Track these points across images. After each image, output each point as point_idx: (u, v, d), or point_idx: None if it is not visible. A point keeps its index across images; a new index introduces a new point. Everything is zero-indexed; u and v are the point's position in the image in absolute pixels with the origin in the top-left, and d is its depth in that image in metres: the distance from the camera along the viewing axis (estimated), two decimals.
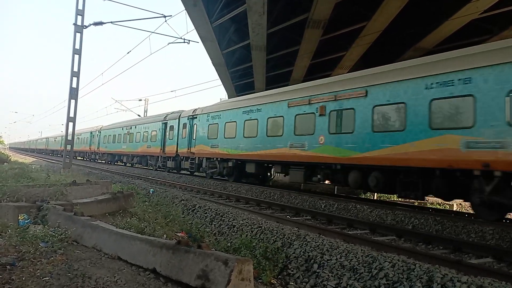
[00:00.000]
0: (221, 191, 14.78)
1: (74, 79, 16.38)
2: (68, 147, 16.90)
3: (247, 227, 7.27)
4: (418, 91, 9.60)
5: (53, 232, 4.64)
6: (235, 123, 16.38)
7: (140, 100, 40.83)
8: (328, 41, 17.10)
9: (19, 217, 5.44)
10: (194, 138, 19.24)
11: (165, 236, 5.96)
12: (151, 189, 12.13)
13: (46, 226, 5.09)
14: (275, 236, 6.37)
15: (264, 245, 5.75)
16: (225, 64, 21.28)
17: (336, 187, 15.69)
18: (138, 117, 33.99)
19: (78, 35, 16.25)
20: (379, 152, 10.32)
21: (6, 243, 4.17)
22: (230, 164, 16.88)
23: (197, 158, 19.16)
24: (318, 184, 15.81)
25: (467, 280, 4.09)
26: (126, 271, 3.92)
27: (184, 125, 20.17)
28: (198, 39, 18.81)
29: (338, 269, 4.93)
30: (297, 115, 13.26)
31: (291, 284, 4.93)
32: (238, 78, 24.19)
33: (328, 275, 4.86)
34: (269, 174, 16.25)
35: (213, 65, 21.79)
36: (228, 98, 26.42)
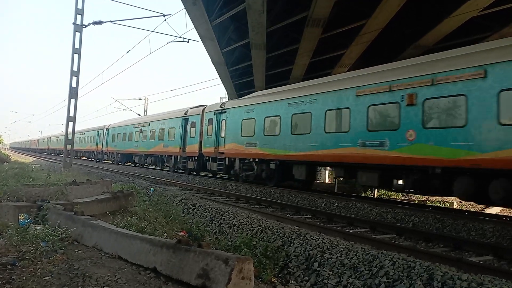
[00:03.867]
0: (221, 190, 14.79)
1: (74, 78, 16.38)
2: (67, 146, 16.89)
3: (248, 225, 7.27)
4: (161, 125, 24.43)
5: (54, 232, 4.64)
6: (125, 133, 30.35)
7: (140, 99, 40.97)
8: (327, 39, 17.04)
9: (20, 217, 5.44)
10: (110, 141, 33.91)
11: (165, 235, 5.97)
12: (151, 188, 12.14)
13: (46, 225, 5.08)
14: (276, 235, 6.37)
15: (264, 244, 5.76)
16: (224, 63, 21.24)
17: (336, 185, 17.01)
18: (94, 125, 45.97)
19: (77, 34, 16.24)
20: (154, 148, 25.02)
21: (7, 243, 4.18)
22: (120, 155, 32.19)
23: (110, 153, 34.76)
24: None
25: (468, 278, 4.10)
26: (127, 270, 3.92)
27: (105, 134, 35.14)
28: (198, 38, 18.79)
29: (338, 268, 4.93)
30: (135, 131, 28.26)
31: (291, 283, 4.93)
32: (238, 77, 24.15)
33: (329, 274, 4.87)
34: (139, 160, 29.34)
35: (213, 64, 21.75)
36: (228, 97, 26.56)
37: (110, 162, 35.34)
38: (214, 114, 18.46)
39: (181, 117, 22.03)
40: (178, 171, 23.05)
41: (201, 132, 19.52)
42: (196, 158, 20.04)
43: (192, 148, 20.29)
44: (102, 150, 36.37)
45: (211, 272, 3.41)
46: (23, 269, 3.56)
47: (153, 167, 27.62)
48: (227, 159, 17.01)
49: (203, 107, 20.21)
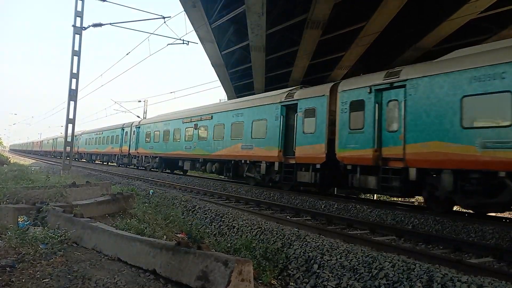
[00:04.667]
0: (221, 191, 14.78)
1: (73, 80, 16.38)
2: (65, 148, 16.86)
3: (247, 227, 7.27)
4: (235, 117, 17.33)
5: (53, 234, 4.64)
6: (168, 131, 24.09)
7: (140, 101, 40.81)
8: (327, 41, 17.10)
9: (19, 219, 5.43)
10: (142, 141, 27.83)
11: (165, 237, 5.96)
12: (150, 190, 12.12)
13: (45, 227, 5.08)
14: (275, 237, 6.36)
15: (264, 246, 5.75)
16: (224, 65, 21.31)
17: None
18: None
19: (77, 36, 16.26)
20: (223, 150, 18.10)
21: (6, 245, 4.17)
22: (158, 159, 25.70)
23: (142, 156, 28.19)
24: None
25: (467, 279, 4.09)
26: (126, 272, 3.92)
27: (134, 132, 29.20)
28: (197, 40, 18.85)
29: (338, 269, 4.93)
30: (186, 128, 21.82)
31: (291, 285, 4.92)
32: (238, 79, 24.21)
33: (328, 276, 4.86)
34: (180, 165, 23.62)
35: (212, 66, 21.82)
36: (228, 99, 26.60)
37: (137, 167, 29.05)
38: (370, 92, 11.22)
39: (279, 102, 14.72)
40: (269, 184, 15.70)
41: (329, 125, 12.69)
42: (318, 167, 12.84)
43: (310, 150, 13.21)
44: (129, 153, 29.73)
45: (211, 274, 3.40)
46: (22, 271, 3.56)
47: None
48: (413, 170, 9.99)
49: (331, 84, 13.31)
